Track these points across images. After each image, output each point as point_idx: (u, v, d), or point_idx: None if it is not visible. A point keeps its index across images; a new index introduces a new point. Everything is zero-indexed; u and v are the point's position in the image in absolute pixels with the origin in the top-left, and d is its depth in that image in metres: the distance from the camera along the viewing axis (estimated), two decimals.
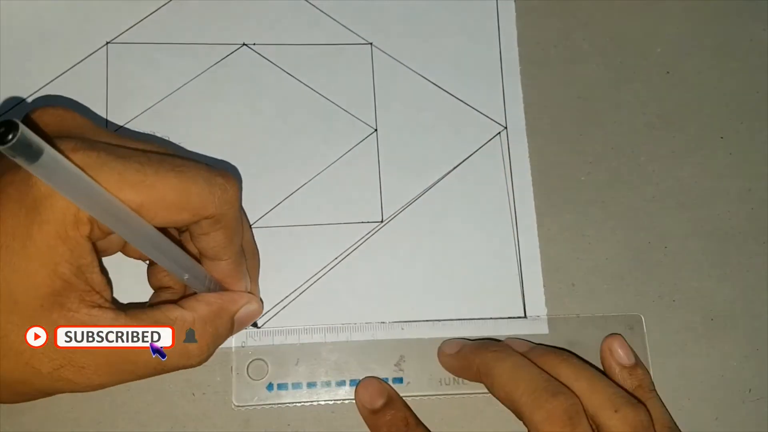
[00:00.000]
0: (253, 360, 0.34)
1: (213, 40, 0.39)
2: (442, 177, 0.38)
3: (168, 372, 0.28)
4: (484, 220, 0.37)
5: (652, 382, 0.34)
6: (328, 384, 0.35)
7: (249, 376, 0.34)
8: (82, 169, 0.24)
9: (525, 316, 0.36)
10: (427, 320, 0.35)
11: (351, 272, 0.36)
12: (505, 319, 0.36)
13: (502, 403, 0.31)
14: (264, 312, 0.35)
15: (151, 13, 0.39)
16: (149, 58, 0.38)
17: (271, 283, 0.35)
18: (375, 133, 0.38)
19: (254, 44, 0.39)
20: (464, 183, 0.38)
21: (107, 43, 0.38)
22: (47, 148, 0.21)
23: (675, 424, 0.33)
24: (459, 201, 0.37)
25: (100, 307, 0.26)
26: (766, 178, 0.39)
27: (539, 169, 0.38)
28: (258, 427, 0.34)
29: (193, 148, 0.37)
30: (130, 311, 0.28)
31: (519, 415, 0.30)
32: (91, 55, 0.38)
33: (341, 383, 0.35)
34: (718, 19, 0.41)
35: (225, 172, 0.28)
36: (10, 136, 0.20)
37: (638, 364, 0.34)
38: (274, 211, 0.37)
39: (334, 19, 0.40)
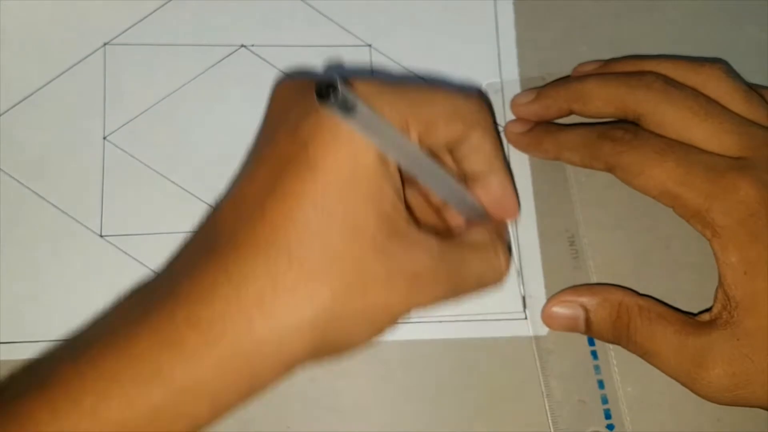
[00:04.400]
0: None
1: (211, 41, 0.39)
2: None
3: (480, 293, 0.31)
4: None
5: None
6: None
7: None
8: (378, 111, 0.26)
9: (525, 317, 0.36)
10: (425, 321, 0.35)
11: None
12: (505, 320, 0.35)
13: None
14: None
15: (148, 14, 0.39)
16: (147, 60, 0.38)
17: None
18: None
19: (253, 46, 0.39)
20: None
21: (105, 44, 0.38)
22: (359, 102, 0.23)
23: None
24: None
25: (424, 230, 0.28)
26: None
27: (539, 169, 0.38)
28: (258, 427, 0.33)
29: (192, 149, 0.37)
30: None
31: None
32: (88, 56, 0.38)
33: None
34: (718, 19, 0.41)
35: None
36: (332, 94, 0.21)
37: None
38: None
39: (333, 21, 0.40)
